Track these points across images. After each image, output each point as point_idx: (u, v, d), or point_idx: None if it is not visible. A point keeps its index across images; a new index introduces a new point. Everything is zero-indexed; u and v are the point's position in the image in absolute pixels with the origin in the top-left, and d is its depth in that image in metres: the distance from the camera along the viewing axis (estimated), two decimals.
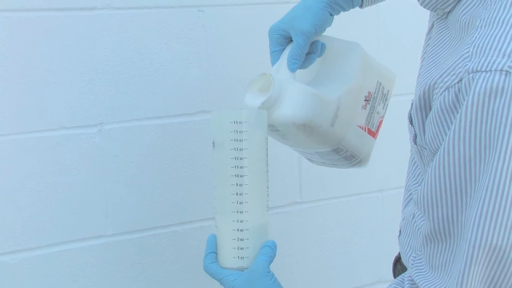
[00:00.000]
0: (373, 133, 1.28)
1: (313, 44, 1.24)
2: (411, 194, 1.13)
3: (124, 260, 1.47)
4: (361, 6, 1.29)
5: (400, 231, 1.16)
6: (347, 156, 1.26)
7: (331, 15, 1.24)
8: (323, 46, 1.25)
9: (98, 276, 1.44)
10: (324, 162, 1.30)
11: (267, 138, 1.15)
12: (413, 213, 1.08)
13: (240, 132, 1.12)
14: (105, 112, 1.42)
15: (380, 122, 1.30)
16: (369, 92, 1.26)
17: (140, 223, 1.48)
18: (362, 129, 1.26)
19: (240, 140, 1.12)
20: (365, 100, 1.25)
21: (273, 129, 1.19)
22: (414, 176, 1.12)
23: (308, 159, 1.33)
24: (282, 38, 1.23)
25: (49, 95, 1.37)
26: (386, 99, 1.30)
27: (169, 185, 1.49)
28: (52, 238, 1.40)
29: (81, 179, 1.41)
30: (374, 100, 1.27)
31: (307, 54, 1.24)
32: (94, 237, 1.44)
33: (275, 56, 1.23)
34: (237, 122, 1.12)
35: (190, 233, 1.52)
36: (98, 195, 1.43)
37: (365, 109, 1.25)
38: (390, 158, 1.72)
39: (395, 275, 1.21)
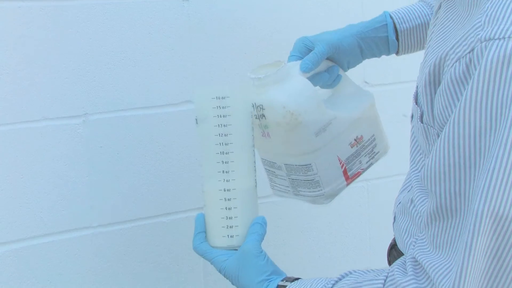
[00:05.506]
0: (347, 176, 1.27)
1: (331, 68, 1.27)
2: (410, 180, 1.11)
3: (110, 251, 1.46)
4: (397, 53, 1.32)
5: (394, 217, 1.14)
6: (313, 182, 1.24)
7: (361, 51, 1.27)
8: (339, 76, 1.28)
9: (83, 268, 1.44)
10: (287, 187, 1.29)
11: (251, 113, 1.15)
12: (411, 199, 1.06)
13: (223, 107, 1.11)
14: (89, 102, 1.42)
15: (358, 174, 1.29)
16: (361, 136, 1.27)
17: (126, 214, 1.47)
18: (340, 163, 1.25)
19: (224, 116, 1.12)
20: (355, 140, 1.26)
21: (260, 113, 1.19)
22: (414, 163, 1.09)
23: (272, 184, 1.32)
24: (304, 48, 1.25)
25: (32, 85, 1.37)
26: (373, 157, 1.31)
27: (154, 176, 1.49)
28: (36, 230, 1.39)
29: (66, 170, 1.40)
30: (363, 147, 1.28)
31: (322, 72, 1.26)
32: (79, 229, 1.43)
33: (291, 59, 1.25)
34: (220, 98, 1.11)
35: (176, 224, 1.52)
36: (83, 186, 1.42)
37: (351, 147, 1.26)
38: None
39: (389, 261, 1.19)
